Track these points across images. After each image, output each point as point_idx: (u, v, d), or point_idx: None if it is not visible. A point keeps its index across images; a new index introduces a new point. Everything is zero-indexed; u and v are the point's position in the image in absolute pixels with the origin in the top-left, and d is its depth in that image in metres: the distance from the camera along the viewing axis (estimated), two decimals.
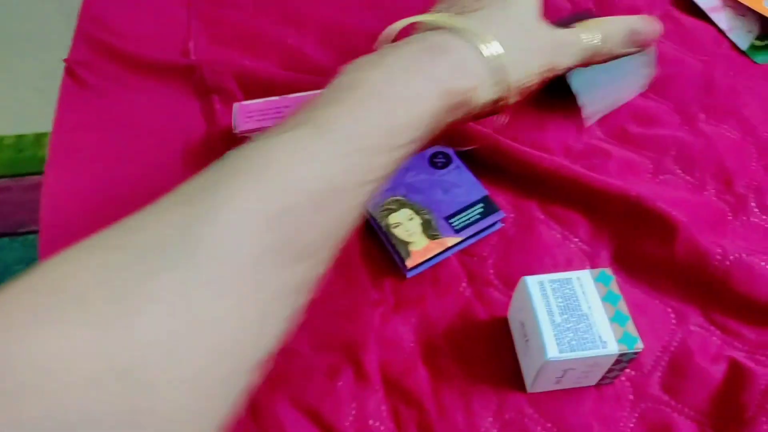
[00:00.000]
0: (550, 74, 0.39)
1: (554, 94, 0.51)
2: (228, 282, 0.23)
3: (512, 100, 0.37)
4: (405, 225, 0.44)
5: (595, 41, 0.40)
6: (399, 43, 0.35)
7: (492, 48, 0.35)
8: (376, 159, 0.29)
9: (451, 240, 0.43)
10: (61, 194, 0.51)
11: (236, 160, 0.27)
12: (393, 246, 0.43)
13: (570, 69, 0.41)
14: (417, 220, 0.44)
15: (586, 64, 0.42)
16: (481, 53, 0.34)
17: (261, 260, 0.24)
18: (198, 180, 0.27)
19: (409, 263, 0.42)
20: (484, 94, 0.35)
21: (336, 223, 0.28)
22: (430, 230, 0.44)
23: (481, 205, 0.45)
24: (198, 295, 0.22)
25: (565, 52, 0.39)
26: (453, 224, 0.44)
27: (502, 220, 0.46)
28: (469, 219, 0.44)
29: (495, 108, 0.37)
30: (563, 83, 0.51)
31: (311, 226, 0.26)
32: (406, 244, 0.43)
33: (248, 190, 0.25)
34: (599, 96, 0.52)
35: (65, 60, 0.59)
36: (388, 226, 0.44)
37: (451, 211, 0.44)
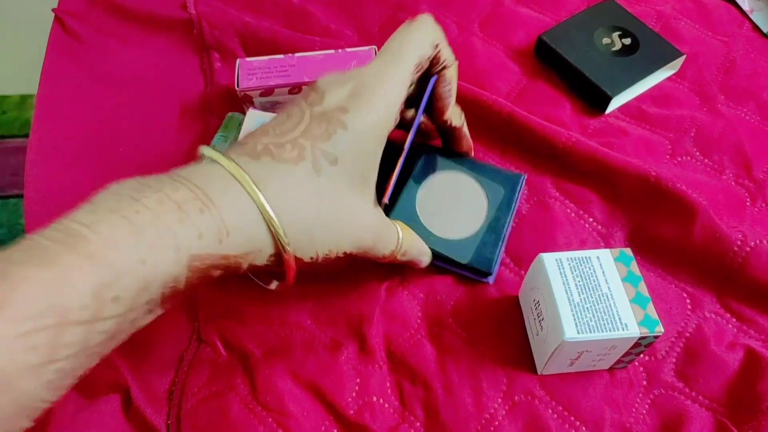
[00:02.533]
0: (360, 257, 0.34)
1: (567, 79, 0.49)
2: None
3: (291, 265, 0.31)
4: None
5: (401, 252, 0.36)
6: (167, 179, 0.28)
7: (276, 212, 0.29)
8: (74, 333, 0.24)
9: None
10: (49, 153, 0.48)
11: None
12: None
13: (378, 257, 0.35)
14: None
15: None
16: (261, 217, 0.28)
17: None
18: None
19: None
20: (256, 262, 0.29)
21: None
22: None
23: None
24: None
25: (378, 247, 0.34)
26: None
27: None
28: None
29: (278, 266, 0.31)
30: (576, 70, 0.49)
31: None
32: None
33: None
34: (626, 98, 0.50)
35: (54, 10, 0.56)
36: None
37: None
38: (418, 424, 0.36)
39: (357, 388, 0.36)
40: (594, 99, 0.49)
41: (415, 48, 0.34)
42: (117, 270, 0.24)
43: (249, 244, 0.28)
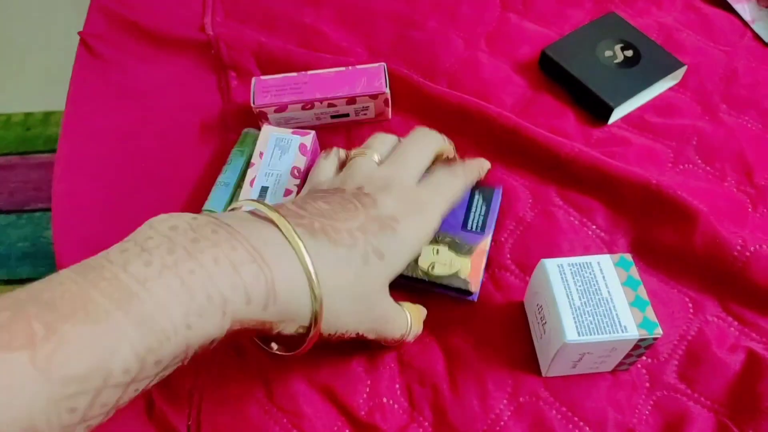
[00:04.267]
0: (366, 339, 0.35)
1: (571, 91, 0.51)
2: None
3: (314, 338, 0.32)
4: (438, 260, 0.41)
5: (409, 336, 0.38)
6: (211, 225, 0.29)
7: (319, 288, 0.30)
8: (103, 395, 0.24)
9: (485, 242, 0.42)
10: (74, 167, 0.50)
11: None
12: (447, 287, 0.41)
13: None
14: (443, 248, 0.41)
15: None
16: (308, 291, 0.30)
17: None
18: None
19: (474, 288, 0.40)
20: (285, 330, 0.30)
21: None
22: (461, 248, 0.41)
23: (477, 194, 0.44)
24: None
25: (389, 330, 0.36)
26: (473, 229, 0.43)
27: (504, 191, 0.46)
28: (480, 214, 0.43)
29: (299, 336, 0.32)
30: (579, 83, 0.50)
31: None
32: (456, 276, 0.41)
33: None
34: (628, 109, 0.51)
35: (80, 33, 0.59)
36: (427, 273, 0.40)
37: (461, 220, 0.43)
38: (427, 424, 0.37)
39: (368, 390, 0.38)
40: (597, 110, 0.50)
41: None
42: (165, 335, 0.25)
43: (288, 314, 0.29)
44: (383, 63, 0.48)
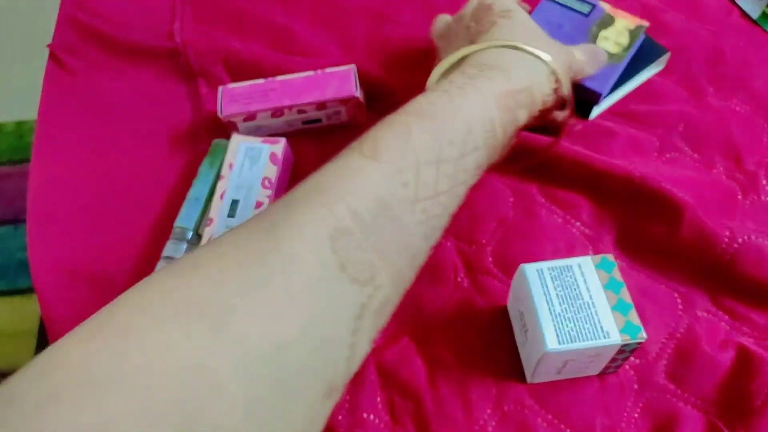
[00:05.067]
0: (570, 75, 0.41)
1: None
2: (301, 301, 0.24)
3: (566, 89, 0.38)
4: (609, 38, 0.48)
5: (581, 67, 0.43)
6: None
7: (532, 47, 0.36)
8: (428, 173, 0.28)
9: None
10: (48, 180, 0.49)
11: (304, 186, 0.28)
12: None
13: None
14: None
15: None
16: (525, 53, 0.36)
17: (325, 280, 0.24)
18: (275, 208, 0.27)
19: None
20: (542, 86, 0.36)
21: (392, 242, 0.27)
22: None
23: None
24: (277, 315, 0.23)
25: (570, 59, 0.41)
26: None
27: None
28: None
29: (556, 101, 0.38)
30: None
31: (363, 247, 0.26)
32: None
33: (306, 217, 0.26)
34: (611, 101, 0.50)
35: (49, 45, 0.58)
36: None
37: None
38: None
39: (347, 405, 0.37)
40: (578, 104, 0.48)
41: None
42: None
43: (529, 74, 0.35)
44: (353, 65, 0.46)
